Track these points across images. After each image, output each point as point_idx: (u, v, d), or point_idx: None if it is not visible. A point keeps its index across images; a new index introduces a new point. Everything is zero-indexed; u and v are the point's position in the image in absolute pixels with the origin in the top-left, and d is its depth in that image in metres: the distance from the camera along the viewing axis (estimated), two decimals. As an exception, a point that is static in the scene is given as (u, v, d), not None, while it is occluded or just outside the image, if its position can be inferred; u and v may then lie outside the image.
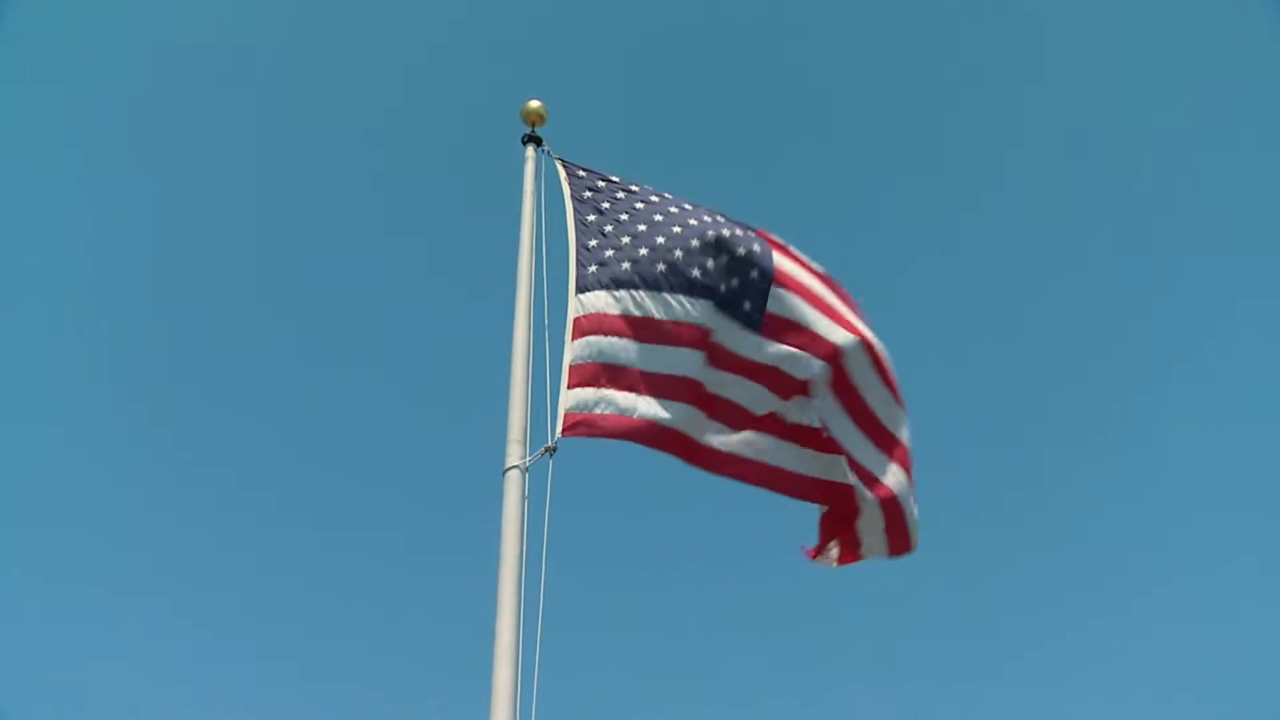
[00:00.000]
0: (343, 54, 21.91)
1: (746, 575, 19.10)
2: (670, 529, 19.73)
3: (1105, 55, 21.34)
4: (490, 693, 4.90)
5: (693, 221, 6.63)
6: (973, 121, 22.98)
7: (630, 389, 6.00)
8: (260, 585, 18.49)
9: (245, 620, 17.57)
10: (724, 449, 6.38)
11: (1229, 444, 19.23)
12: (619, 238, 6.52)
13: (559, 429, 5.68)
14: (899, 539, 6.85)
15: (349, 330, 21.51)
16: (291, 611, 18.05)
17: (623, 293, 6.23)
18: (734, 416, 6.43)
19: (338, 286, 21.68)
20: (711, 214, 6.79)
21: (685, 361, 6.25)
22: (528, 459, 5.61)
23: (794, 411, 6.60)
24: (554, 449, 5.64)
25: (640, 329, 6.16)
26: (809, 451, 6.61)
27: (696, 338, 6.30)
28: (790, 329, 6.51)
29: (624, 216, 6.66)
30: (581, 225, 6.57)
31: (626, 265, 6.36)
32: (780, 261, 6.65)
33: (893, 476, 6.73)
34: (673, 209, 6.74)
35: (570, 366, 5.85)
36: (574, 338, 5.96)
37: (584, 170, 7.02)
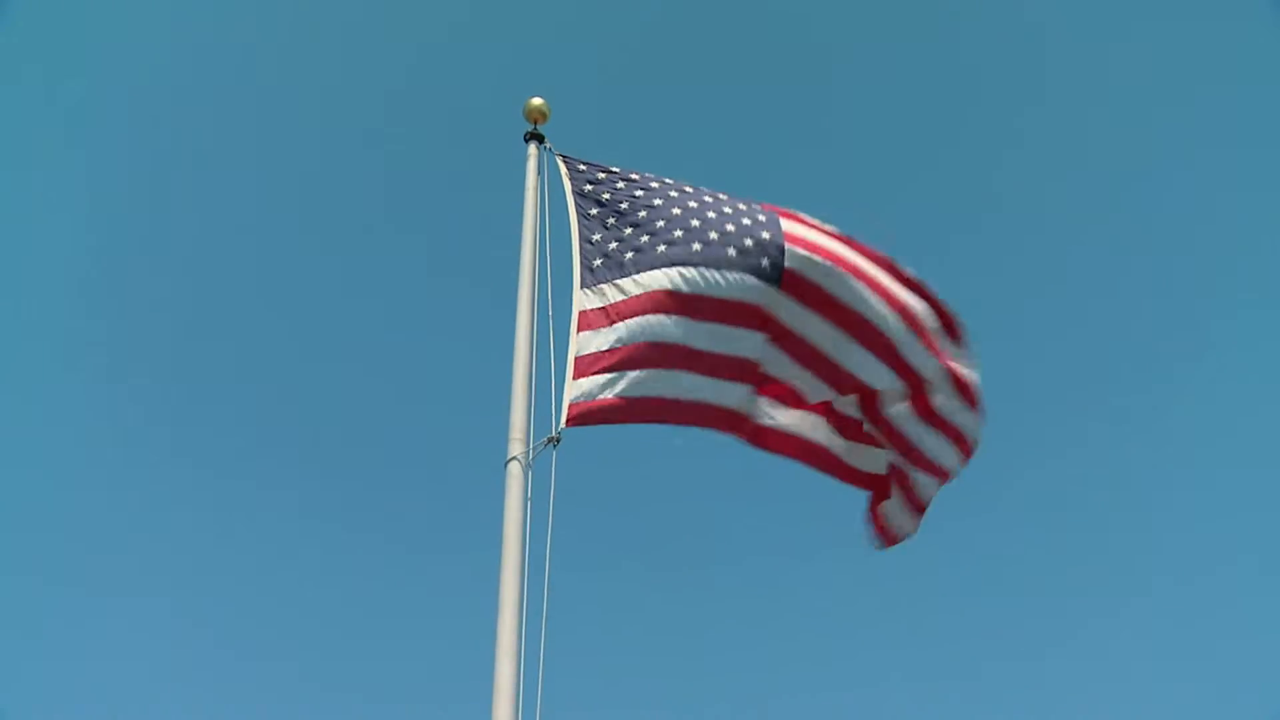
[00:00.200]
0: (344, 51, 21.93)
1: (751, 571, 19.14)
2: (673, 525, 19.75)
3: (1105, 55, 21.36)
4: (492, 690, 4.88)
5: (693, 204, 6.68)
6: (973, 121, 23.00)
7: (645, 366, 6.07)
8: (260, 583, 18.50)
9: (245, 618, 17.58)
10: (772, 426, 6.60)
11: (1228, 444, 19.26)
12: (622, 229, 6.57)
13: (563, 420, 5.71)
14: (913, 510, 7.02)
15: (350, 329, 21.53)
16: (291, 609, 18.07)
17: (627, 280, 6.26)
18: (751, 375, 6.52)
19: (339, 285, 21.71)
20: (712, 194, 6.85)
21: (694, 333, 6.28)
22: (530, 452, 5.62)
23: (843, 404, 6.80)
24: (557, 440, 5.65)
25: (647, 307, 6.19)
26: (855, 444, 6.88)
27: (711, 308, 6.33)
28: (809, 287, 6.50)
29: (624, 205, 6.71)
30: (584, 219, 6.62)
31: (630, 255, 6.40)
32: (789, 226, 6.68)
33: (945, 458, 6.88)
34: (673, 193, 6.80)
35: (575, 359, 5.89)
36: (579, 330, 5.99)
37: (584, 164, 7.06)
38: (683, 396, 6.28)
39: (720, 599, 18.90)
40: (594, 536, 17.21)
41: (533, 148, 7.15)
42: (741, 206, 6.73)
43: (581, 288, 6.22)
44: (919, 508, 6.97)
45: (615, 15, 23.78)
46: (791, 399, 6.69)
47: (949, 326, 6.77)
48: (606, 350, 5.99)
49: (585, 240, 6.49)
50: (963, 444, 6.84)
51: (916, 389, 6.66)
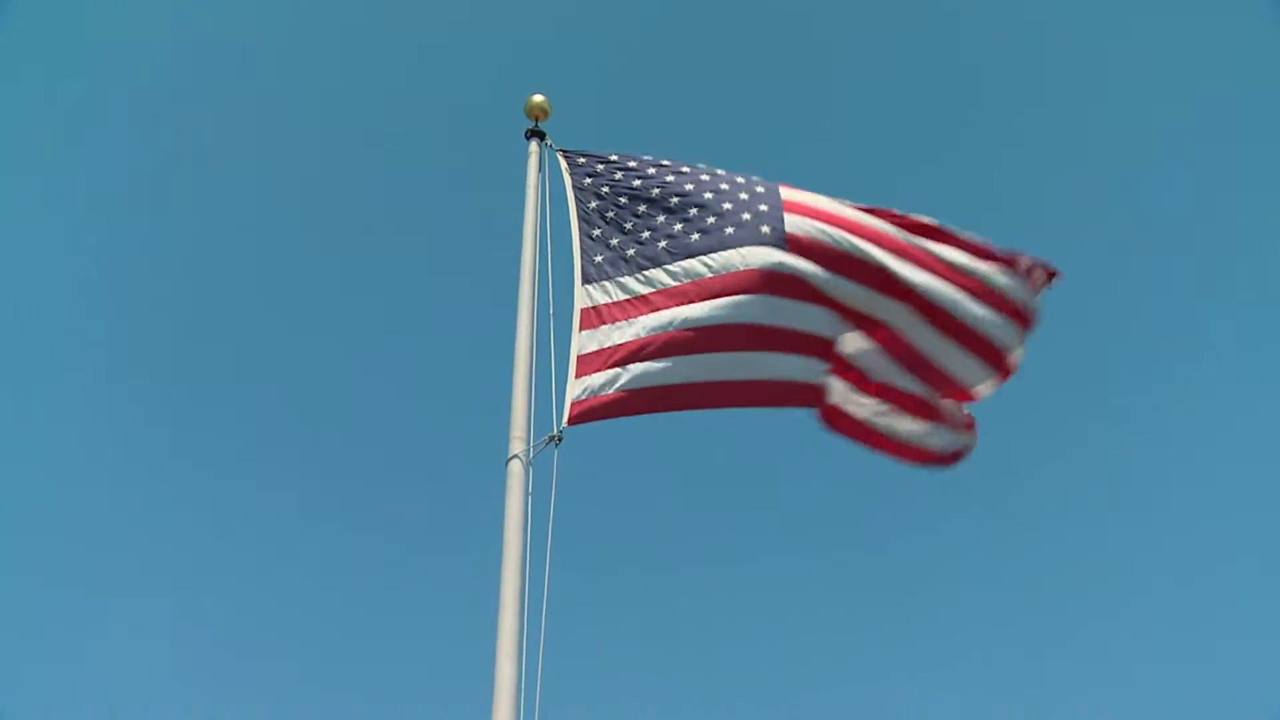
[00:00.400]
0: (344, 49, 21.91)
1: (751, 570, 19.13)
2: (673, 524, 19.74)
3: (1105, 55, 21.37)
4: (492, 689, 4.86)
5: (689, 186, 6.69)
6: (973, 121, 22.99)
7: (653, 359, 6.01)
8: (260, 583, 18.47)
9: (245, 618, 17.56)
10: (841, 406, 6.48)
11: (1228, 444, 19.25)
12: (623, 223, 6.57)
13: (564, 418, 5.71)
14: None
15: (350, 328, 21.50)
16: (291, 609, 18.04)
17: (630, 278, 6.26)
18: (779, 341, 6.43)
19: (339, 285, 21.68)
20: (710, 171, 6.86)
21: (708, 312, 6.21)
22: (531, 449, 5.60)
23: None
24: (559, 438, 5.64)
25: (652, 303, 6.17)
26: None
27: (726, 285, 6.27)
28: (814, 247, 6.45)
29: (624, 200, 6.71)
30: (584, 216, 6.61)
31: (632, 250, 6.40)
32: (788, 193, 6.68)
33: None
34: (669, 177, 6.80)
35: (578, 357, 5.88)
36: (580, 328, 5.98)
37: (584, 156, 7.06)
38: (705, 379, 6.18)
39: (721, 598, 18.90)
40: (594, 535, 17.20)
41: (534, 145, 7.14)
42: (740, 180, 6.73)
43: (583, 285, 6.21)
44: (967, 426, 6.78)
45: (617, 11, 23.80)
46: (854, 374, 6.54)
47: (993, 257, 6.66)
48: (610, 347, 5.98)
49: (585, 236, 6.49)
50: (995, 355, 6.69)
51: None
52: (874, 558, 19.12)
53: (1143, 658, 17.44)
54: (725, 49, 23.76)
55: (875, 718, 17.21)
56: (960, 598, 18.83)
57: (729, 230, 6.41)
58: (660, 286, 6.23)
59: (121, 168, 19.74)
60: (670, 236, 6.43)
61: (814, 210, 6.57)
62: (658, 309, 6.14)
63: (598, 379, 5.85)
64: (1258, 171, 19.72)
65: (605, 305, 6.14)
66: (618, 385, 5.88)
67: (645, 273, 6.29)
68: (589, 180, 6.84)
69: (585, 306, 6.11)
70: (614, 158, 7.01)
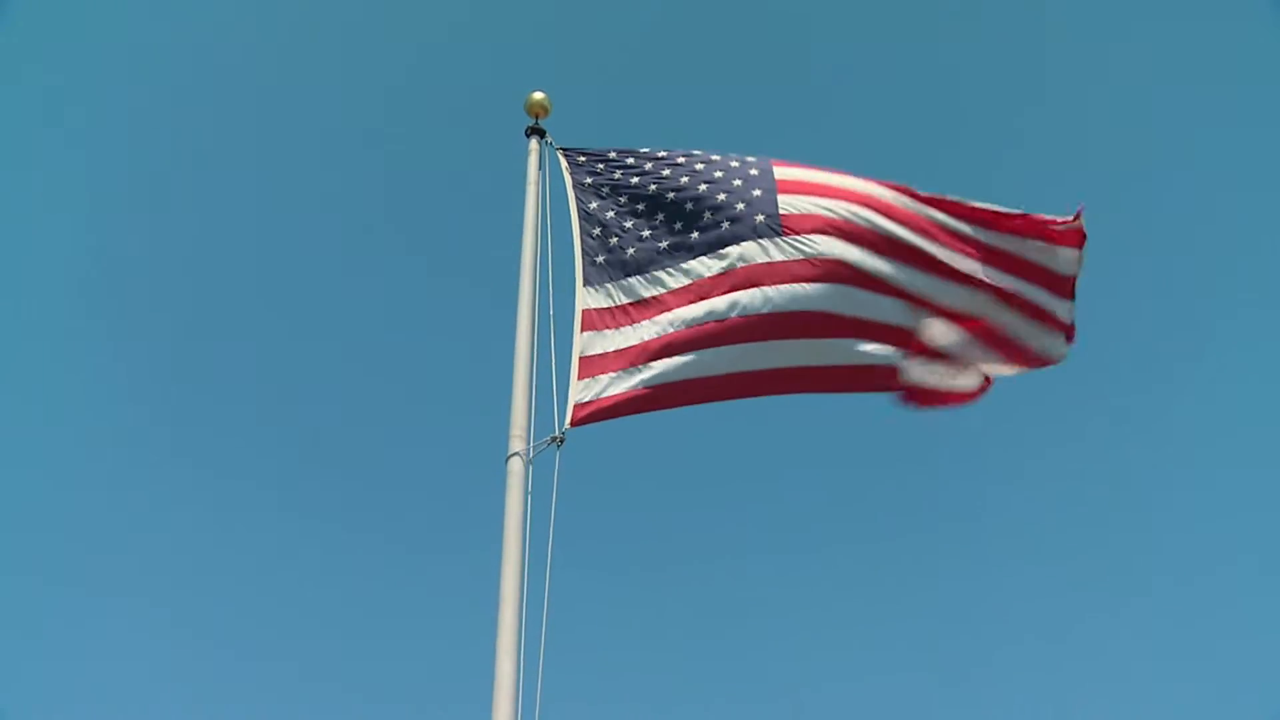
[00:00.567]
0: (344, 48, 21.90)
1: (752, 569, 19.11)
2: (673, 522, 19.72)
3: (1105, 55, 21.37)
4: (492, 688, 4.87)
5: (685, 179, 6.67)
6: (973, 121, 22.99)
7: (657, 358, 5.99)
8: (260, 583, 18.44)
9: (245, 618, 17.53)
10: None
11: (1228, 444, 19.25)
12: (623, 221, 6.56)
13: (566, 420, 5.70)
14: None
15: (351, 328, 21.48)
16: (291, 609, 18.02)
17: (631, 280, 6.26)
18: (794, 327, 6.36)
19: (339, 285, 21.66)
20: (705, 159, 6.82)
21: (717, 309, 6.19)
22: (531, 448, 5.60)
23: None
24: (561, 440, 5.64)
25: (652, 304, 6.16)
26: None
27: (724, 284, 6.25)
28: (808, 219, 6.40)
29: (624, 199, 6.70)
30: (585, 214, 6.60)
31: (632, 250, 6.40)
32: (782, 173, 6.64)
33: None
34: (665, 171, 6.78)
35: (580, 358, 5.88)
36: (582, 330, 5.97)
37: (584, 154, 7.05)
38: (726, 371, 6.12)
39: (721, 596, 18.89)
40: (594, 533, 17.19)
41: (534, 143, 7.12)
42: (735, 165, 6.70)
43: (585, 285, 6.20)
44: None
45: (617, 9, 23.79)
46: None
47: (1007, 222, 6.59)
48: (614, 351, 5.97)
49: (586, 235, 6.48)
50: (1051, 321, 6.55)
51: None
52: (874, 557, 19.12)
53: (1143, 658, 17.45)
54: (725, 47, 23.77)
55: (876, 715, 17.22)
56: (960, 597, 18.84)
57: (725, 225, 6.39)
58: (661, 288, 6.24)
59: (121, 167, 19.76)
60: (670, 235, 6.42)
61: (809, 185, 6.54)
62: (658, 310, 6.14)
63: (603, 379, 5.84)
64: (1258, 171, 19.72)
65: (607, 307, 6.14)
66: (628, 385, 5.86)
67: (646, 273, 6.29)
68: (589, 180, 6.84)
69: (587, 308, 6.11)
70: (613, 155, 6.99)
